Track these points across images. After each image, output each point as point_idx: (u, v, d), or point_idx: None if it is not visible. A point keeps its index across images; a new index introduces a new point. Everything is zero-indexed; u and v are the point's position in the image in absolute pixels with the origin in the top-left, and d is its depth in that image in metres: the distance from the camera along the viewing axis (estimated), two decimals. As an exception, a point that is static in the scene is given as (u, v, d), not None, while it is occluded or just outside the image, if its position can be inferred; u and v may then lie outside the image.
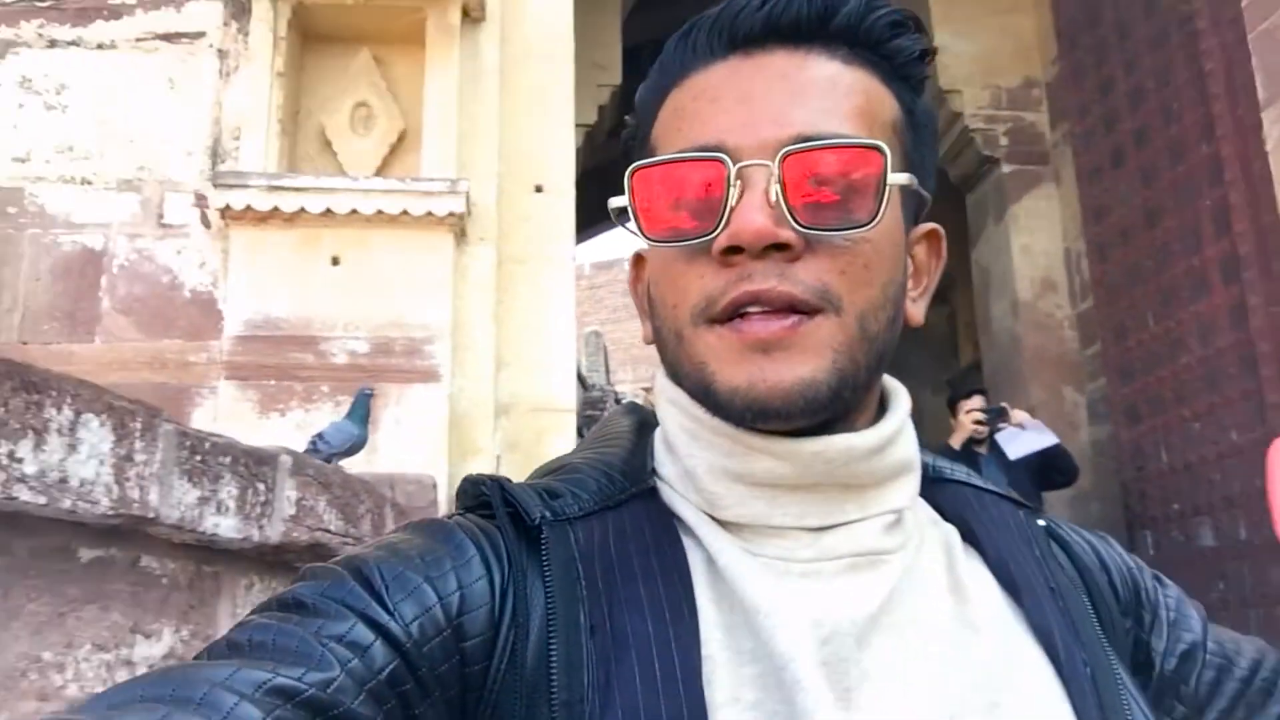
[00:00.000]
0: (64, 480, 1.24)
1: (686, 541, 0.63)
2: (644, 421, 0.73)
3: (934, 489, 0.73)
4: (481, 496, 0.64)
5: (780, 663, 0.56)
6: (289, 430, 3.71)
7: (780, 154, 0.59)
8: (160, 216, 3.96)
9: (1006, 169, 8.04)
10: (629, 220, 0.65)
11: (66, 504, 1.24)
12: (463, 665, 0.56)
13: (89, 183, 3.99)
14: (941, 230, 0.72)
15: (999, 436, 5.14)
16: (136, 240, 3.95)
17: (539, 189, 4.34)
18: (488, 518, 0.63)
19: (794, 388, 0.59)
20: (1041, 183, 7.82)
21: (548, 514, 0.61)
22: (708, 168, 0.60)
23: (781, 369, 0.59)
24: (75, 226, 3.94)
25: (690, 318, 0.62)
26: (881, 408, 0.69)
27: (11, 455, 1.17)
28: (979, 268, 8.46)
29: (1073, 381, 7.09)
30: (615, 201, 0.66)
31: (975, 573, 0.68)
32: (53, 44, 4.12)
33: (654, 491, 0.66)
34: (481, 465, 3.96)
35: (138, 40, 4.14)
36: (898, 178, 0.61)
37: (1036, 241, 7.65)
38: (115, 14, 4.13)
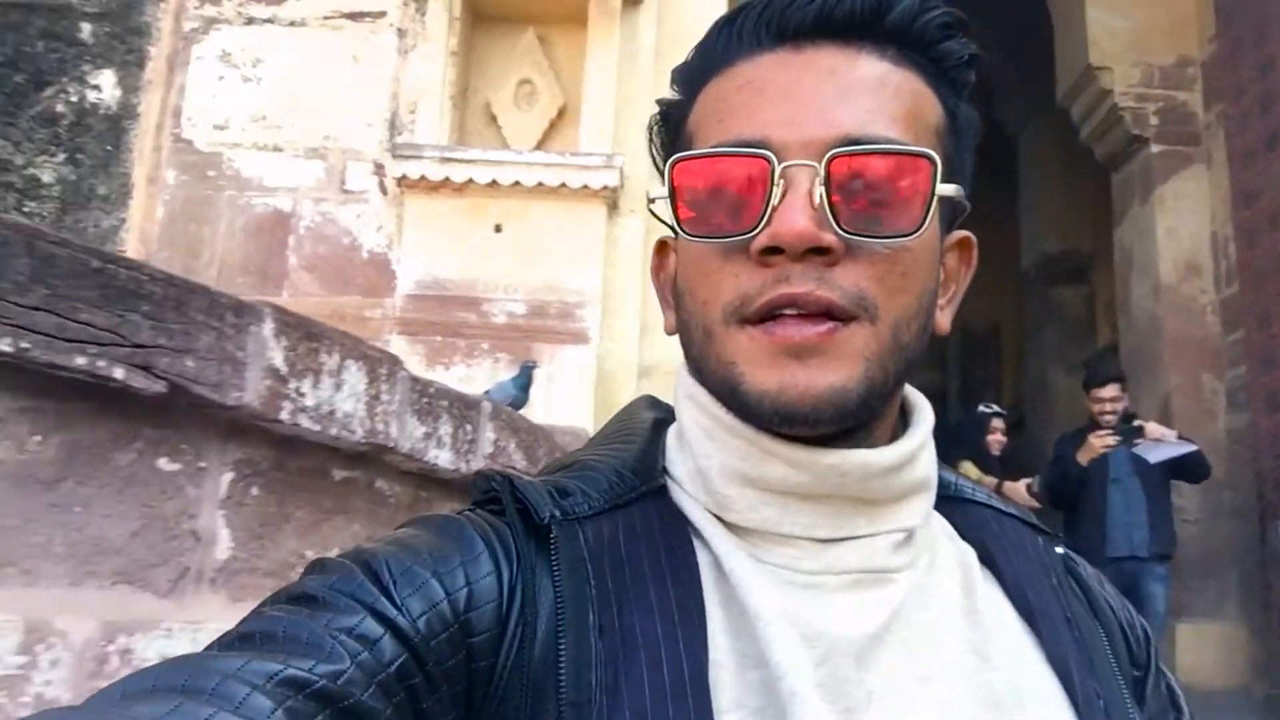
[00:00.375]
0: (332, 412, 1.53)
1: (695, 543, 0.62)
2: (662, 417, 0.71)
3: (953, 508, 0.72)
4: (492, 492, 0.63)
5: (777, 673, 0.56)
6: (452, 383, 4.04)
7: (827, 156, 0.57)
8: (343, 183, 4.33)
9: (1155, 149, 7.89)
10: (664, 210, 0.63)
11: (333, 431, 1.53)
12: (469, 661, 0.56)
13: (279, 150, 4.37)
14: (974, 239, 0.71)
15: (1137, 449, 5.15)
16: (321, 204, 4.33)
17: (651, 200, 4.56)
18: (498, 514, 0.62)
19: (824, 394, 0.58)
20: (1191, 164, 7.67)
21: (557, 513, 0.60)
22: (751, 164, 0.59)
23: (815, 375, 0.58)
24: (267, 190, 4.34)
25: (722, 316, 0.60)
26: (904, 419, 0.68)
27: (297, 391, 1.46)
28: (1121, 248, 8.34)
29: (1212, 368, 6.98)
30: (654, 193, 0.65)
31: (992, 597, 0.66)
32: (250, 21, 4.51)
33: (664, 490, 0.66)
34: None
35: (325, 18, 4.50)
36: (946, 188, 0.60)
37: (1182, 224, 7.53)
38: (306, -6, 4.49)
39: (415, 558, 0.57)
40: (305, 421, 1.48)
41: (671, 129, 0.68)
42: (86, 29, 4.47)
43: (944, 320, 0.67)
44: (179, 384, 1.28)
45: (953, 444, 5.85)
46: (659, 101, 0.70)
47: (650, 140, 0.71)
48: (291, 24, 4.48)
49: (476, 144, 4.38)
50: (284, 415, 1.44)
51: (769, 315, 0.58)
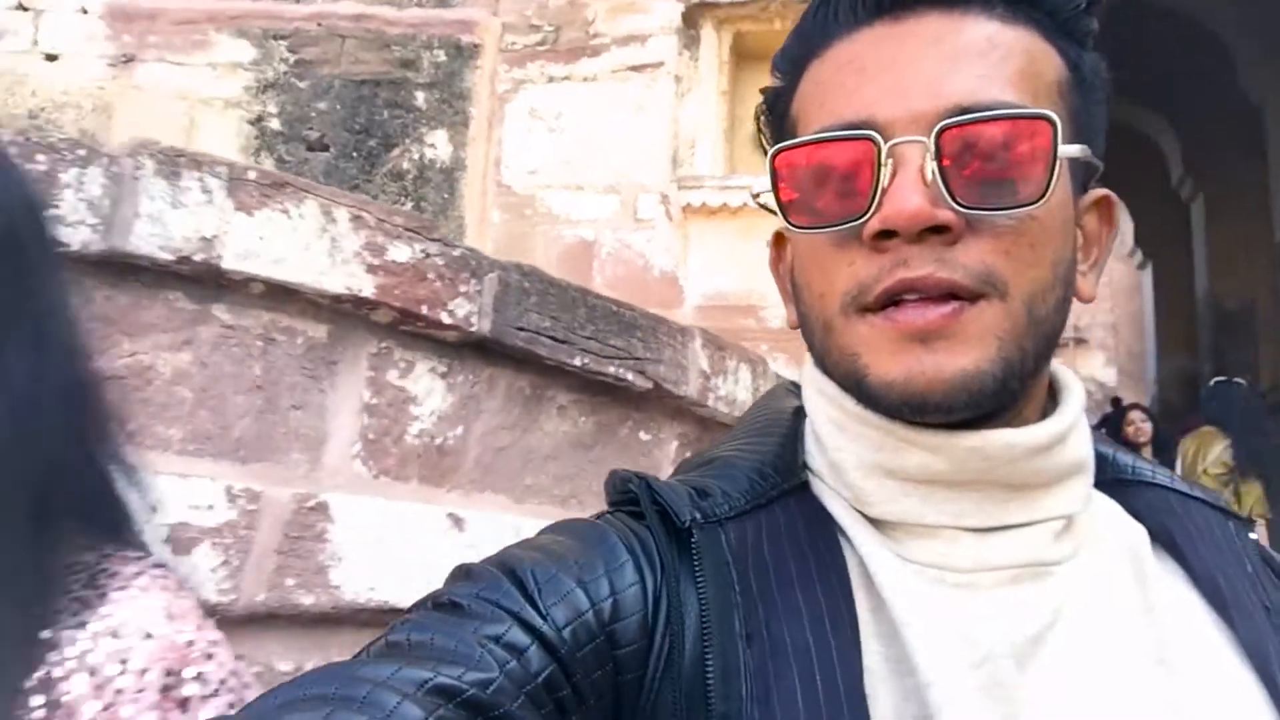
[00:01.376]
0: (733, 399, 2.19)
1: (842, 541, 0.59)
2: (802, 405, 0.68)
3: (1130, 491, 0.68)
4: (630, 493, 0.61)
5: (926, 679, 0.53)
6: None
7: (937, 129, 0.54)
8: (635, 213, 5.07)
9: None
10: (771, 202, 0.60)
11: (735, 413, 2.19)
12: (616, 674, 0.54)
13: (581, 188, 5.16)
14: (1114, 196, 0.66)
15: None
16: (618, 232, 5.08)
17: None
18: (636, 515, 0.60)
19: (955, 379, 0.55)
20: None
21: (698, 515, 0.58)
22: (856, 147, 0.56)
23: (942, 360, 0.55)
24: (573, 223, 5.13)
25: (840, 307, 0.58)
26: (1053, 398, 0.64)
27: (715, 385, 2.14)
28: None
29: None
30: (758, 186, 0.62)
31: (1172, 587, 0.62)
32: (550, 80, 5.33)
33: (807, 486, 0.63)
34: None
35: (613, 72, 5.26)
36: (1069, 150, 0.56)
37: None
38: (595, 52, 5.27)
39: (560, 566, 0.56)
40: (720, 406, 2.15)
41: (777, 117, 0.65)
42: (420, 97, 5.42)
43: (1087, 286, 0.63)
44: (658, 383, 1.96)
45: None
46: (762, 90, 0.67)
47: (759, 130, 0.68)
48: (585, 80, 5.27)
49: (747, 172, 5.03)
50: (709, 402, 2.10)
51: (889, 302, 0.55)
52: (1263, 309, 13.44)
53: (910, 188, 0.54)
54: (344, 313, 1.52)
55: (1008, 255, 0.55)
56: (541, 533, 0.61)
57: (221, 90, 5.44)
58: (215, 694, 0.75)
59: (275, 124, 5.41)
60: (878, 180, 0.55)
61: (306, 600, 1.43)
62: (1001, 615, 0.57)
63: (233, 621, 1.35)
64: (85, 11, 5.55)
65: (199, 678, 0.74)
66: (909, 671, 0.54)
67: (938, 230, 0.54)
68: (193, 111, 5.44)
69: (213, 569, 1.34)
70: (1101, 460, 0.67)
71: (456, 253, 1.63)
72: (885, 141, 0.55)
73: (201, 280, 1.40)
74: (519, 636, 0.52)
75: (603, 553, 0.57)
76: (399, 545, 1.54)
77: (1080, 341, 35.48)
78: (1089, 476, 0.62)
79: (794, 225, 0.59)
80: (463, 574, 0.57)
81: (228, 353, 1.42)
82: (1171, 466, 5.95)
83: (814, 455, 0.64)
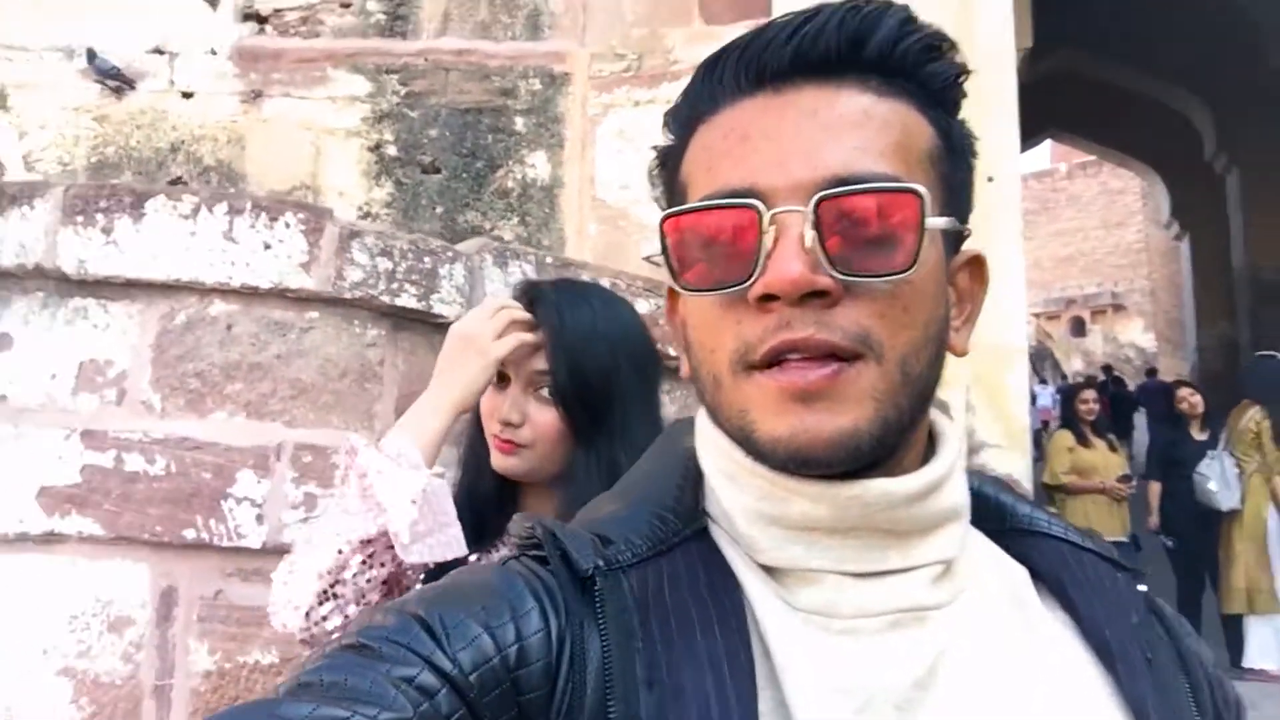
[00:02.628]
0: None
1: (742, 587, 0.61)
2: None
3: (1027, 542, 0.71)
4: (534, 538, 0.63)
5: None
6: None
7: (815, 199, 0.57)
8: (719, 222, 5.64)
9: None
10: (663, 263, 0.63)
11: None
12: (520, 719, 0.55)
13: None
14: (984, 256, 0.69)
15: None
16: (704, 239, 5.67)
17: (989, 179, 5.53)
18: (542, 560, 0.62)
19: (835, 438, 0.57)
20: None
21: (600, 563, 0.60)
22: (740, 215, 0.58)
23: (823, 419, 0.57)
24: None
25: (729, 365, 0.60)
26: (933, 445, 0.66)
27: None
28: None
29: None
30: (648, 249, 0.66)
31: (1059, 636, 0.65)
32: (636, 104, 5.90)
33: (706, 531, 0.65)
34: (955, 395, 5.23)
35: (693, 95, 5.82)
36: (936, 222, 0.60)
37: None
38: (675, 77, 5.82)
39: (468, 611, 0.57)
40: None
41: (669, 175, 0.68)
42: (520, 122, 6.01)
43: (960, 342, 0.67)
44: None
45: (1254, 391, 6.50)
46: (655, 148, 0.71)
47: (651, 185, 0.71)
48: (667, 102, 5.74)
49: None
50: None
51: (774, 361, 0.58)
52: (1299, 278, 13.77)
53: (791, 255, 0.56)
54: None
55: (883, 318, 0.58)
56: (449, 577, 0.64)
57: (342, 121, 6.05)
58: None
59: (392, 150, 6.02)
60: (761, 246, 0.57)
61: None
62: (883, 661, 0.59)
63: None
64: (214, 53, 6.16)
65: None
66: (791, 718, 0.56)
67: (818, 294, 0.57)
68: (318, 141, 6.06)
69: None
70: (1001, 510, 0.73)
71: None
72: (767, 209, 0.58)
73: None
74: (430, 679, 0.54)
75: (509, 599, 0.58)
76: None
77: (1119, 308, 35.45)
78: (965, 521, 0.65)
79: (683, 288, 0.62)
80: (371, 616, 0.59)
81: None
82: (1218, 437, 6.45)
83: (711, 501, 0.66)
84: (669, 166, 0.69)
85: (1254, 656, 6.09)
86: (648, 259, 0.67)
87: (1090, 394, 6.71)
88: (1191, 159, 15.84)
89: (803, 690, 0.57)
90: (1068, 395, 7.11)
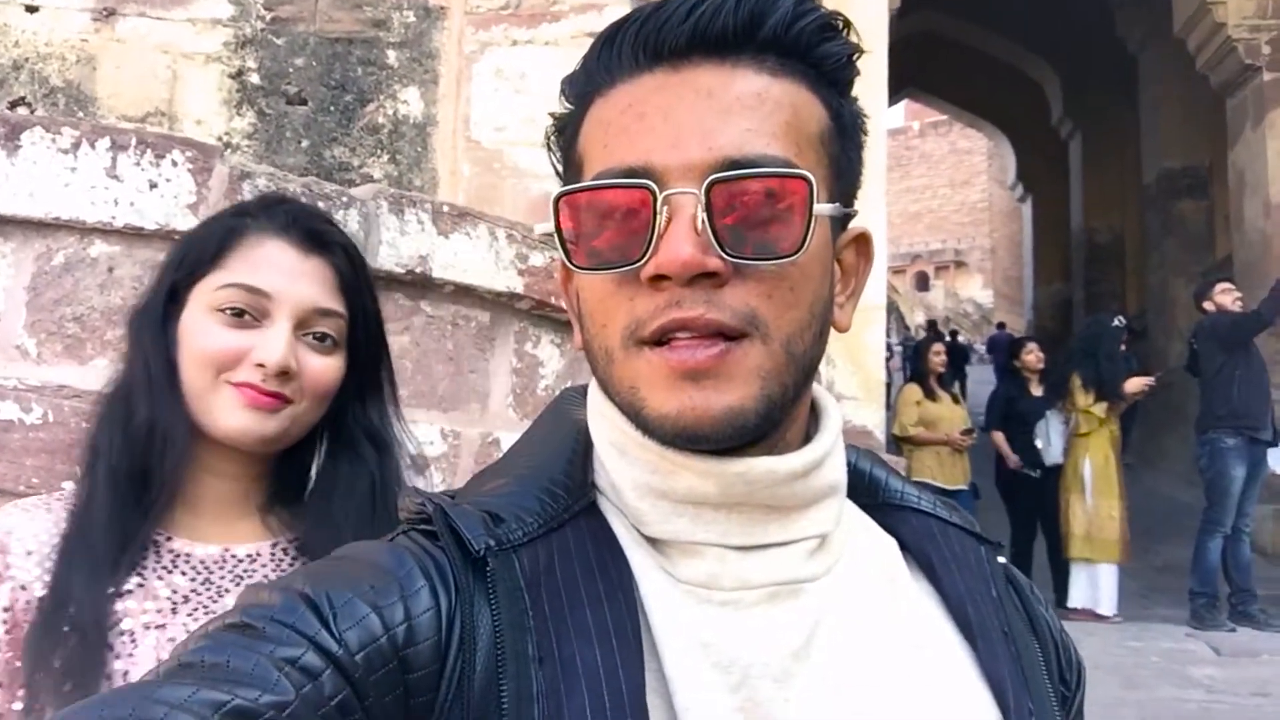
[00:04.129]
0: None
1: (630, 560, 0.62)
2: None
3: (897, 516, 0.73)
4: (424, 513, 0.63)
5: (681, 703, 0.57)
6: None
7: (707, 182, 0.58)
8: (595, 168, 5.64)
9: (1268, 77, 8.64)
10: (555, 241, 0.63)
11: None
12: (408, 697, 0.56)
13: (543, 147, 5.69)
14: (870, 233, 0.71)
15: (1271, 452, 6.25)
16: (579, 185, 5.65)
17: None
18: (431, 535, 0.62)
19: (721, 415, 0.59)
20: (1302, 89, 8.39)
21: (491, 543, 0.60)
22: (634, 195, 0.59)
23: (710, 397, 0.59)
24: (539, 177, 5.66)
25: (620, 340, 0.61)
26: (816, 421, 0.69)
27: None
28: (1234, 169, 9.14)
29: (1318, 282, 7.83)
30: (541, 227, 0.66)
31: (926, 610, 0.68)
32: (514, 43, 5.81)
33: (595, 505, 0.66)
34: None
35: (572, 37, 5.76)
36: (823, 208, 0.61)
37: (1292, 146, 8.28)
38: (555, 18, 5.76)
39: (355, 590, 0.57)
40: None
41: (564, 146, 0.69)
42: (392, 55, 5.83)
43: (843, 318, 0.68)
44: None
45: (1076, 355, 6.89)
46: (551, 114, 0.71)
47: (549, 151, 0.72)
48: (546, 43, 5.77)
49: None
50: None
51: (664, 339, 0.59)
52: (1130, 243, 14.64)
53: (683, 237, 0.57)
54: (500, 303, 2.12)
55: (769, 299, 0.60)
56: (338, 554, 0.63)
57: (202, 45, 5.75)
58: None
59: (255, 79, 5.76)
60: (654, 226, 0.58)
61: (492, 505, 2.07)
62: (761, 633, 0.61)
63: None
64: (61, -37, 5.75)
65: None
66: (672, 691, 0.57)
67: (708, 275, 0.58)
68: (175, 65, 5.75)
69: (439, 484, 1.97)
70: (874, 484, 0.75)
71: (571, 257, 2.26)
72: (661, 190, 0.58)
73: (415, 284, 2.00)
74: (314, 660, 0.53)
75: (399, 577, 0.58)
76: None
77: (960, 265, 36.84)
78: (841, 496, 0.68)
79: (576, 266, 0.63)
80: (255, 594, 0.59)
81: (431, 335, 2.02)
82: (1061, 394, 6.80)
83: (600, 473, 0.67)
84: (564, 136, 0.69)
85: (1076, 598, 6.54)
86: (542, 238, 0.67)
87: (939, 347, 7.03)
88: (1039, 124, 16.56)
89: (681, 667, 0.58)
90: (917, 349, 7.39)
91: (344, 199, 1.88)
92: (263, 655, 0.53)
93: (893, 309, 26.34)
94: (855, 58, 0.66)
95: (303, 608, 0.56)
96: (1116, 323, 6.91)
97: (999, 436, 7.14)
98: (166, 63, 5.71)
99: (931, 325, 21.43)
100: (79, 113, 5.34)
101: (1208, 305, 6.50)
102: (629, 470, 0.65)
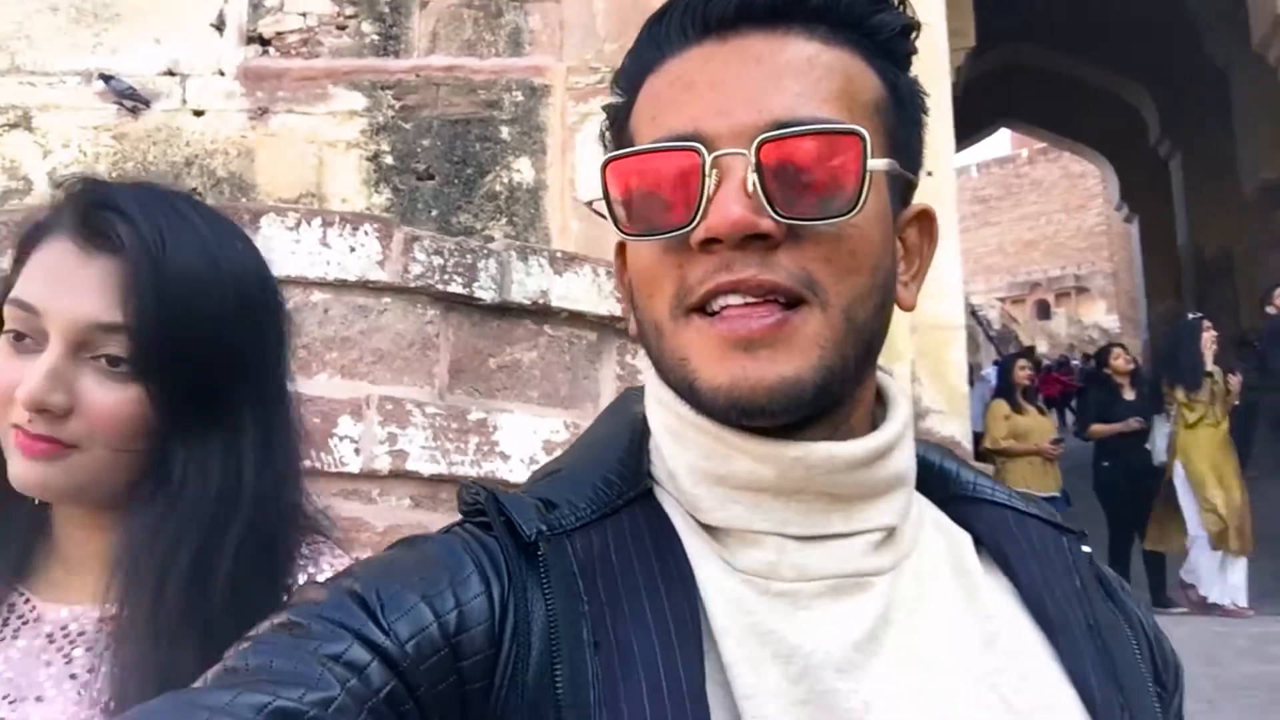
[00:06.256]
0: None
1: (687, 548, 0.61)
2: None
3: (971, 509, 0.70)
4: (477, 505, 0.63)
5: (742, 692, 0.56)
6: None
7: (756, 141, 0.57)
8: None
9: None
10: (605, 210, 0.62)
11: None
12: (462, 684, 0.55)
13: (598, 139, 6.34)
14: (933, 211, 0.69)
15: None
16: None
17: (928, 173, 6.16)
18: (485, 526, 0.61)
19: (777, 386, 0.57)
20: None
21: (543, 528, 0.60)
22: (683, 157, 0.58)
23: (765, 367, 0.57)
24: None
25: (669, 310, 0.60)
26: (884, 409, 0.67)
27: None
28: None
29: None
30: (589, 195, 1.12)
31: (1001, 603, 0.65)
32: (611, 112, 6.49)
33: (651, 493, 0.65)
34: (902, 369, 5.84)
35: (662, 103, 6.42)
36: (878, 164, 0.59)
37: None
38: (646, 87, 6.42)
39: (403, 581, 0.57)
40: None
41: (616, 132, 0.69)
42: (505, 131, 6.59)
43: (909, 296, 0.66)
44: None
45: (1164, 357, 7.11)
46: (604, 107, 0.71)
47: (603, 145, 0.70)
48: (640, 110, 6.44)
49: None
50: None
51: (715, 306, 0.58)
52: (1238, 256, 14.53)
53: (733, 198, 0.56)
54: (604, 324, 2.74)
55: (827, 262, 0.58)
56: (388, 549, 0.63)
57: (342, 134, 6.61)
58: None
59: (389, 159, 6.58)
60: (703, 190, 0.57)
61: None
62: (822, 625, 0.59)
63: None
64: (222, 73, 6.68)
65: None
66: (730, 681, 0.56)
67: (760, 237, 0.57)
68: (320, 152, 6.61)
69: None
70: (944, 476, 0.72)
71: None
72: (710, 153, 0.57)
73: (539, 312, 2.64)
74: (359, 654, 0.53)
75: (448, 566, 0.59)
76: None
77: (1082, 290, 36.07)
78: (910, 489, 0.65)
79: (625, 233, 0.62)
80: (304, 594, 0.60)
81: (553, 350, 2.66)
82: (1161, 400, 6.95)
83: (656, 462, 0.66)
84: (616, 124, 0.69)
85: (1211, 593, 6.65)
86: (588, 205, 0.79)
87: (1025, 363, 7.37)
88: (1138, 145, 16.58)
89: (740, 656, 0.57)
90: (1005, 366, 7.74)
91: (485, 251, 2.53)
92: (307, 653, 0.53)
93: (1010, 339, 26.12)
94: (912, 32, 0.65)
95: (349, 603, 0.56)
96: (1190, 316, 7.12)
97: (1099, 427, 7.31)
98: (313, 151, 6.57)
99: (1030, 354, 21.28)
100: (242, 199, 6.22)
101: (1269, 309, 6.71)
102: (684, 455, 0.63)
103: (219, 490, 0.91)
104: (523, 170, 6.47)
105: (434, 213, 6.47)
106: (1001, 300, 34.14)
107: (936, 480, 0.72)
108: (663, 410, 0.65)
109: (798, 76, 0.60)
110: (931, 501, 0.71)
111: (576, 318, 2.73)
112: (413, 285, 2.44)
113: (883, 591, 0.62)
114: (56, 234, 0.91)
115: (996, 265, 36.92)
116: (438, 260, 2.46)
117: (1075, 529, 0.72)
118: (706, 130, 0.59)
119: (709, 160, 0.58)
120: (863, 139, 0.58)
